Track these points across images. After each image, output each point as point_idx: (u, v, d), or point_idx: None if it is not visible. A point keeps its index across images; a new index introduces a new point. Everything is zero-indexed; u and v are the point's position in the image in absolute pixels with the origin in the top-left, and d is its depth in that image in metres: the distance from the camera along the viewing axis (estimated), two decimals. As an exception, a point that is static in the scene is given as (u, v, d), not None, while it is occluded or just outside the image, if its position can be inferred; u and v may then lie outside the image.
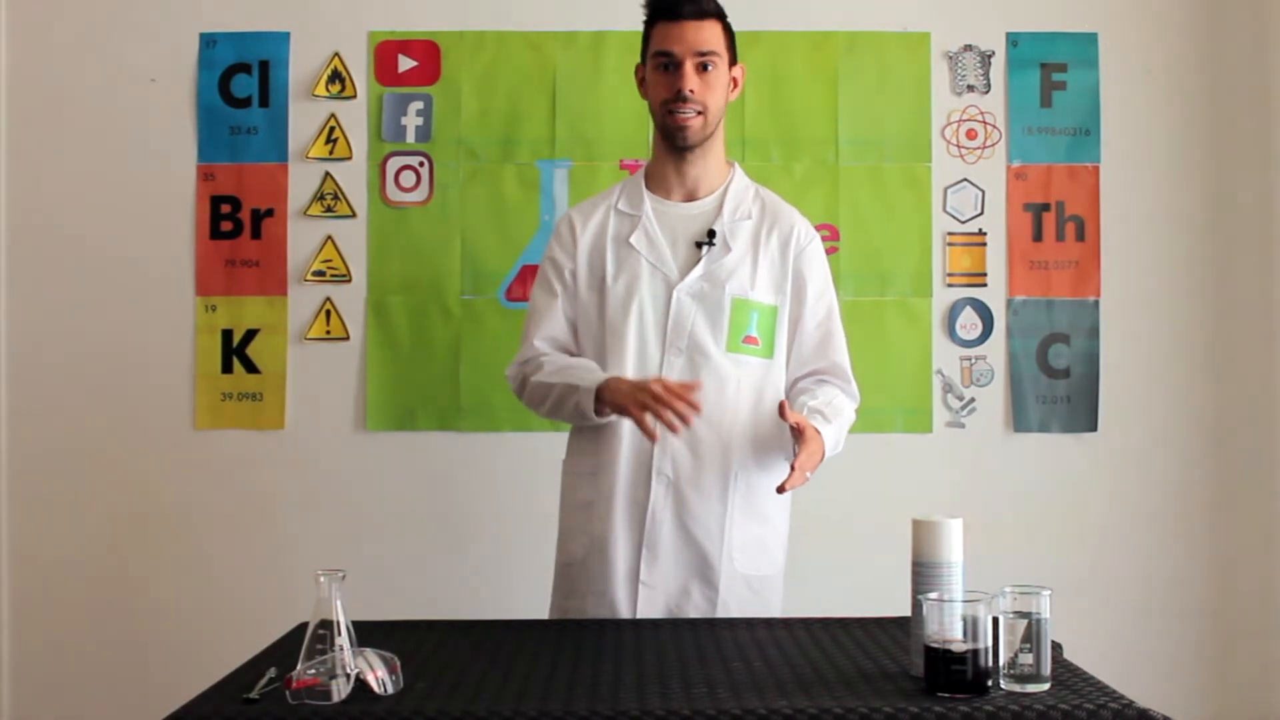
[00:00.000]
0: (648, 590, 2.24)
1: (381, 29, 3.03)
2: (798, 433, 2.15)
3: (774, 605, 2.31)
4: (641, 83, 2.36)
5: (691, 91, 2.24)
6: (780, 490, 2.13)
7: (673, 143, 2.30)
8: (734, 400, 2.26)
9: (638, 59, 2.36)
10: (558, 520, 2.37)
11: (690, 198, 2.34)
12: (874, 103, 3.03)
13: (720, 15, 2.30)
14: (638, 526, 2.24)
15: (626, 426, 2.23)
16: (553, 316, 2.34)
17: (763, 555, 2.30)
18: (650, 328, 2.27)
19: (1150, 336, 3.04)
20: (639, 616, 2.22)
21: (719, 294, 2.27)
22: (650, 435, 2.12)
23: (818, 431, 2.18)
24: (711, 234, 2.29)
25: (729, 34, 2.31)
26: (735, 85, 2.34)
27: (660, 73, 2.28)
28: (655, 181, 2.36)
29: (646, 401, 2.10)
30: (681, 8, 2.25)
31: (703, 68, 2.25)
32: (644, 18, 2.32)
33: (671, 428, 2.09)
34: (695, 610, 2.24)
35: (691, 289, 2.27)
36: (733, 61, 2.32)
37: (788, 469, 2.24)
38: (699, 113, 2.26)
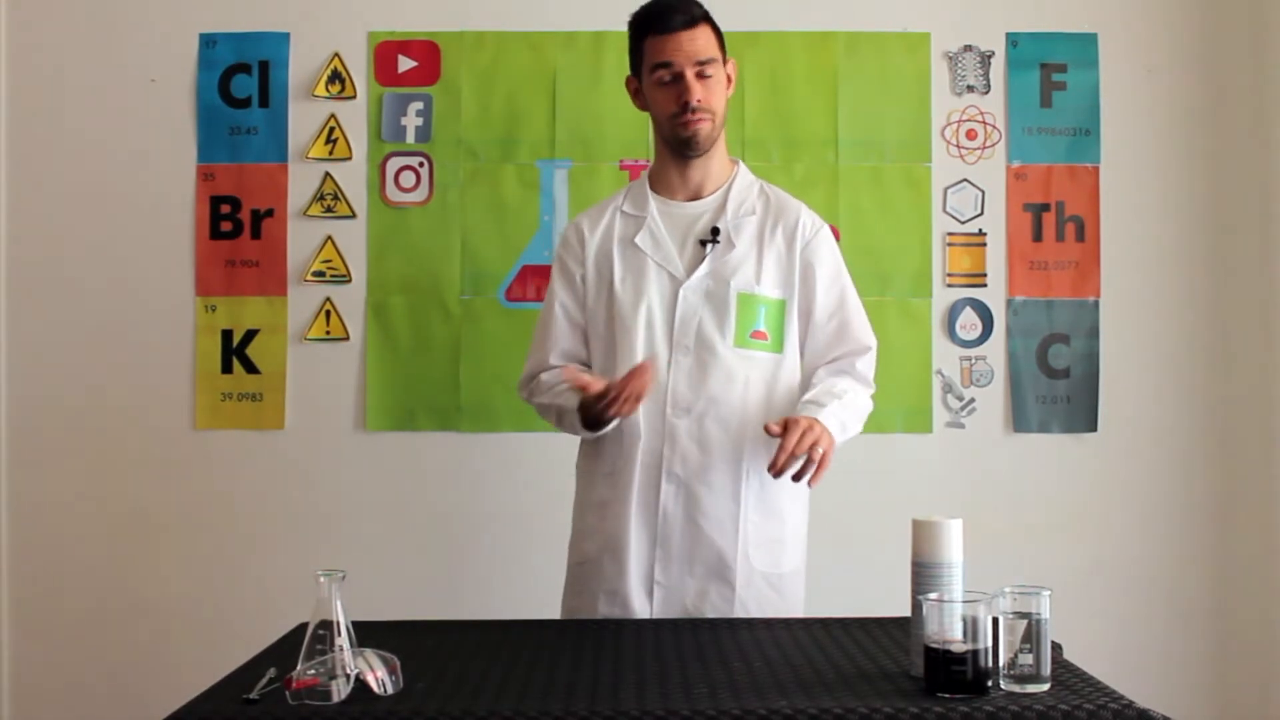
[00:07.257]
0: (663, 590, 2.23)
1: (381, 29, 3.03)
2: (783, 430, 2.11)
3: (796, 602, 2.29)
4: (636, 94, 2.36)
5: (699, 101, 2.24)
6: (770, 468, 2.09)
7: (682, 152, 2.30)
8: (743, 396, 2.25)
9: (635, 63, 2.36)
10: (571, 520, 2.37)
11: (695, 197, 2.34)
12: (874, 103, 3.03)
13: (708, 18, 2.29)
14: (651, 526, 2.24)
15: (641, 426, 2.23)
16: (561, 329, 2.35)
17: (781, 552, 2.28)
18: (658, 327, 2.27)
19: (1150, 336, 3.04)
20: (655, 617, 2.21)
21: (724, 290, 2.26)
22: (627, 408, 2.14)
23: (803, 419, 2.12)
24: (715, 231, 2.29)
25: (718, 33, 2.30)
26: (730, 82, 2.33)
27: (663, 86, 2.27)
28: (660, 183, 2.36)
29: (612, 402, 2.12)
30: (671, 19, 2.24)
31: (701, 75, 2.25)
32: (630, 33, 2.31)
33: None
34: (713, 610, 2.22)
35: (697, 286, 2.27)
36: (724, 60, 2.31)
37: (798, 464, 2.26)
38: (707, 120, 2.26)
